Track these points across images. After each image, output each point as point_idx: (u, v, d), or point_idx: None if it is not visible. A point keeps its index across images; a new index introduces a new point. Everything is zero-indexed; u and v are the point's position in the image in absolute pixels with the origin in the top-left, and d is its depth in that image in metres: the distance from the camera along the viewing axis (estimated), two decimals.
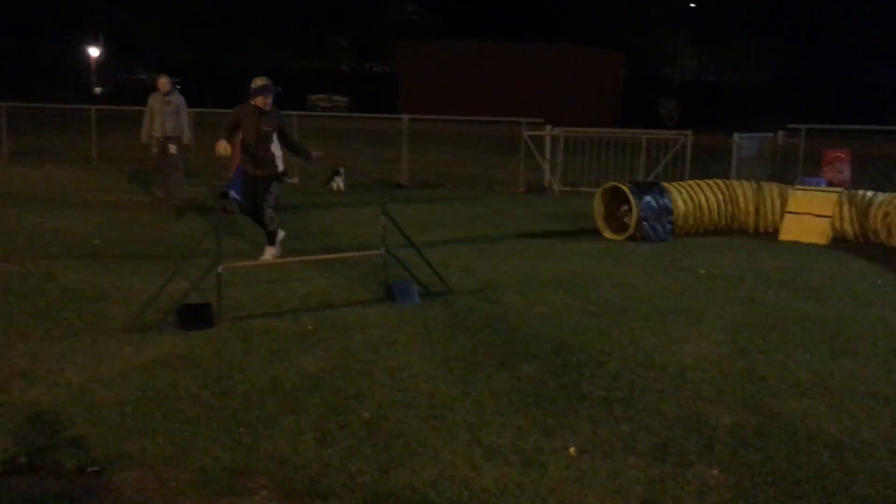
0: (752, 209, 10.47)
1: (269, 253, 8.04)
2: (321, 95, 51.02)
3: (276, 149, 8.02)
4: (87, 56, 53.85)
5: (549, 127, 15.59)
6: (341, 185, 14.76)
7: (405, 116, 16.95)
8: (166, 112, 12.31)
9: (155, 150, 12.46)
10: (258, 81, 7.97)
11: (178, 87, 12.82)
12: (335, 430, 4.15)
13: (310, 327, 5.90)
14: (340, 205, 12.69)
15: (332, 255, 7.93)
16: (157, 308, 5.93)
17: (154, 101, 12.42)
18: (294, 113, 17.65)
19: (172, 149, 12.41)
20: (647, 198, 9.81)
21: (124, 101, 24.36)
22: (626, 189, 9.87)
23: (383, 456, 3.87)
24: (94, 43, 52.41)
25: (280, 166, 8.13)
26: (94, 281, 7.13)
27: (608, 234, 10.02)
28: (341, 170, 14.93)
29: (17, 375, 4.75)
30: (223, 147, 7.79)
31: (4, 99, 19.68)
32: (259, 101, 7.91)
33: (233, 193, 11.56)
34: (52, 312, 6.10)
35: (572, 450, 3.98)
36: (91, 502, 3.38)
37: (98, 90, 51.47)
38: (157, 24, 53.76)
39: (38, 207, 11.37)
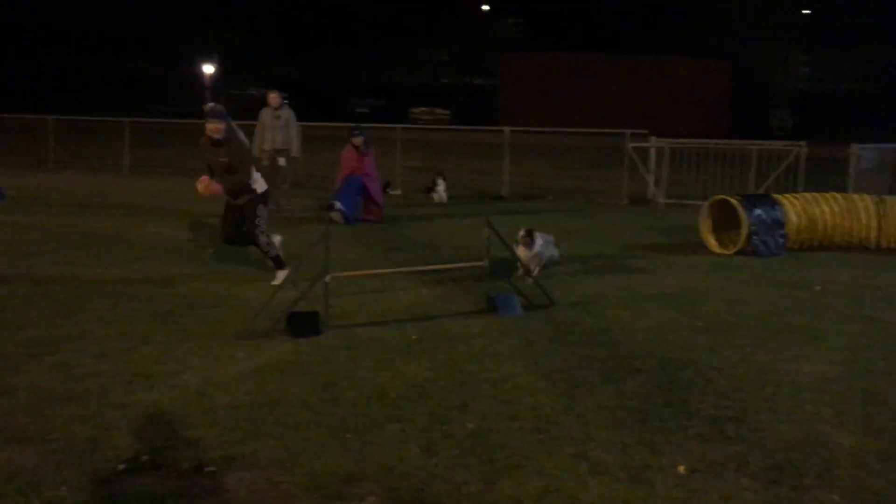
0: (873, 223, 9.96)
1: (280, 277, 7.50)
2: (423, 108, 51.76)
3: (247, 175, 7.48)
4: (202, 74, 56.35)
5: (653, 138, 15.31)
6: (443, 195, 14.87)
7: (507, 129, 16.99)
8: (276, 126, 12.75)
9: (265, 162, 12.90)
10: (206, 107, 7.39)
11: (286, 101, 13.23)
12: (440, 440, 4.18)
13: (414, 337, 5.97)
14: (442, 216, 12.80)
15: (436, 266, 8.00)
16: (267, 315, 6.12)
17: (265, 115, 12.89)
18: (397, 126, 18.00)
19: (281, 161, 12.84)
20: (758, 211, 9.48)
21: (235, 116, 25.35)
22: (735, 202, 9.57)
23: (488, 467, 3.87)
24: (209, 61, 54.80)
25: (259, 187, 7.55)
26: (209, 288, 7.43)
27: (716, 249, 9.74)
28: (439, 180, 15.03)
29: (140, 377, 4.99)
30: (203, 185, 7.40)
31: (126, 115, 20.78)
32: (208, 128, 7.30)
33: (338, 205, 11.87)
34: (172, 318, 6.40)
35: (682, 468, 3.88)
36: (209, 501, 3.52)
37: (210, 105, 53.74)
38: (266, 42, 55.78)
39: (156, 218, 11.95)
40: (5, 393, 4.69)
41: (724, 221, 9.86)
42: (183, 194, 15.19)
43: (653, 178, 14.93)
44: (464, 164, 20.27)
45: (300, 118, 13.46)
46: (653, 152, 15.08)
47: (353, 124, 13.35)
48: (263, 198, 7.61)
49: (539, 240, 7.94)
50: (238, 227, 7.69)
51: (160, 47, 56.21)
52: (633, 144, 15.14)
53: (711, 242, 9.84)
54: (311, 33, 57.59)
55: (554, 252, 8.43)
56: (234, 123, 7.64)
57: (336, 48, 57.85)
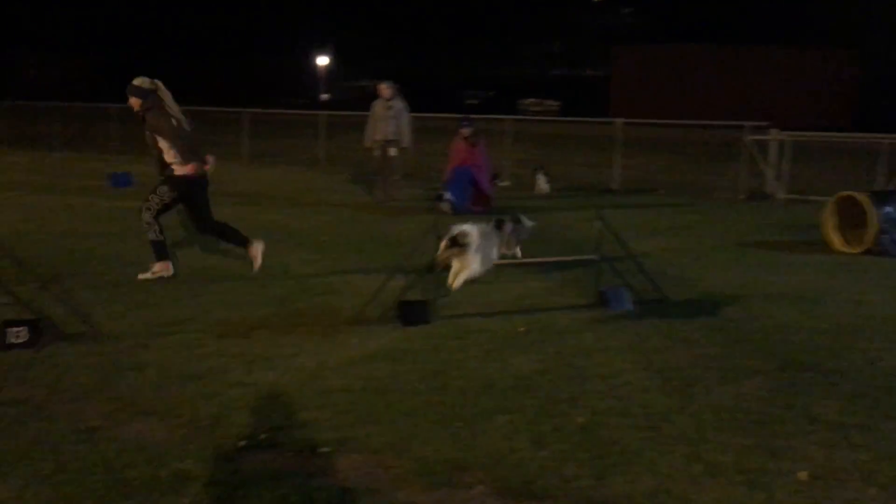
0: None
1: (150, 270, 7.27)
2: (532, 100, 51.50)
3: (171, 156, 7.19)
4: (316, 66, 57.88)
5: (773, 131, 14.70)
6: (544, 187, 14.75)
7: (618, 120, 16.68)
8: (388, 117, 12.94)
9: (377, 153, 13.14)
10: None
11: (399, 92, 13.38)
12: (549, 433, 4.15)
13: (522, 329, 5.95)
14: (550, 209, 12.70)
15: (546, 259, 7.94)
16: (379, 303, 6.23)
17: (377, 106, 13.10)
18: (506, 117, 17.96)
19: (392, 152, 13.03)
20: (888, 208, 8.97)
21: (349, 107, 25.86)
22: (863, 198, 9.08)
23: (598, 462, 3.82)
24: (324, 54, 56.22)
25: (179, 170, 7.18)
26: (322, 275, 7.63)
27: (841, 248, 9.27)
28: (539, 173, 14.94)
29: (259, 359, 5.18)
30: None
31: (246, 106, 21.56)
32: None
33: (447, 195, 11.96)
34: (288, 303, 6.61)
35: (803, 475, 3.72)
36: (323, 481, 3.61)
37: (325, 97, 55.18)
38: (380, 34, 56.73)
39: (273, 206, 12.36)
40: (135, 369, 4.96)
41: (851, 219, 9.37)
42: (298, 183, 15.68)
43: (773, 173, 14.34)
44: (573, 157, 20.05)
45: (412, 109, 13.60)
46: (773, 145, 14.49)
47: (463, 115, 13.39)
48: (175, 182, 7.16)
49: (474, 233, 6.05)
50: (194, 218, 7.48)
51: (279, 42, 58.03)
52: (753, 137, 14.59)
53: (836, 241, 9.38)
54: (424, 25, 58.21)
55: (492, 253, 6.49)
56: (164, 97, 7.16)
57: (448, 40, 58.27)
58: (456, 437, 4.10)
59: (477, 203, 12.20)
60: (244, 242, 7.63)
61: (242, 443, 3.96)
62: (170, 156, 7.19)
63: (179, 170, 7.16)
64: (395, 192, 13.06)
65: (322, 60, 57.72)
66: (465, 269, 5.86)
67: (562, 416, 4.36)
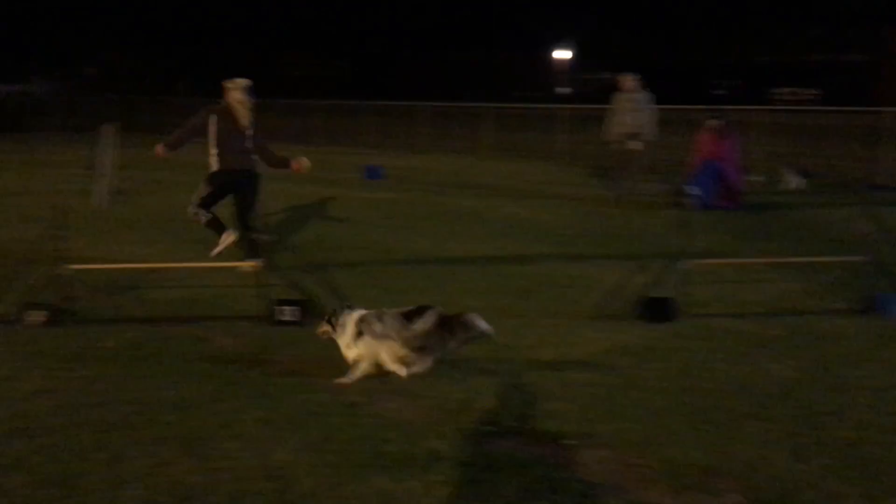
0: None
1: (221, 244, 7.29)
2: (785, 89, 48.16)
3: (211, 147, 7.30)
4: (553, 59, 58.05)
5: None
6: (795, 182, 13.72)
7: (888, 109, 15.14)
8: (629, 110, 12.65)
9: (617, 147, 12.90)
10: None
11: (643, 85, 13.02)
12: (810, 445, 3.87)
13: (777, 333, 5.59)
14: (807, 205, 11.82)
15: (807, 259, 7.39)
16: (620, 298, 6.13)
17: (618, 99, 12.85)
18: (757, 108, 16.95)
19: (635, 145, 12.73)
20: None
21: (587, 101, 25.64)
22: None
23: (869, 483, 3.49)
24: (563, 48, 56.26)
25: (211, 166, 7.32)
26: (563, 268, 7.65)
27: None
28: (786, 168, 13.93)
29: (503, 348, 5.26)
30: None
31: (484, 101, 22.11)
32: None
33: (693, 190, 11.51)
34: (529, 294, 6.69)
35: None
36: (568, 473, 3.62)
37: (566, 91, 55.16)
38: (622, 25, 55.85)
39: (513, 199, 12.57)
40: None
41: None
42: (537, 177, 15.83)
43: None
44: (835, 149, 18.45)
45: (661, 101, 13.18)
46: None
47: (710, 107, 12.79)
48: (210, 175, 7.31)
49: (349, 320, 4.81)
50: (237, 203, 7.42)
51: (518, 36, 58.93)
52: None
53: None
54: (667, 13, 56.42)
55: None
56: (228, 96, 7.35)
57: (693, 26, 56.03)
58: (705, 440, 3.94)
59: (725, 198, 11.63)
60: (249, 251, 7.29)
61: (489, 428, 4.06)
62: (212, 146, 7.32)
63: (211, 164, 7.34)
64: (637, 187, 12.76)
65: (562, 54, 57.71)
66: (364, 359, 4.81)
67: (824, 429, 4.04)
